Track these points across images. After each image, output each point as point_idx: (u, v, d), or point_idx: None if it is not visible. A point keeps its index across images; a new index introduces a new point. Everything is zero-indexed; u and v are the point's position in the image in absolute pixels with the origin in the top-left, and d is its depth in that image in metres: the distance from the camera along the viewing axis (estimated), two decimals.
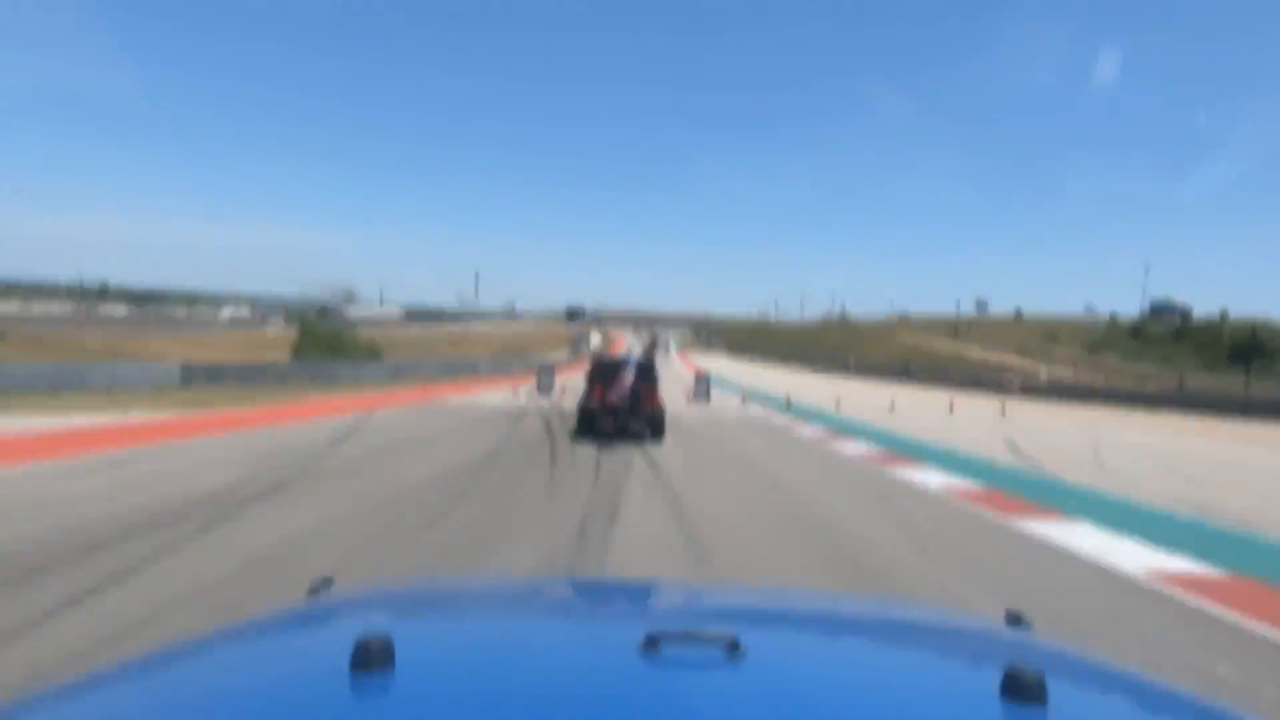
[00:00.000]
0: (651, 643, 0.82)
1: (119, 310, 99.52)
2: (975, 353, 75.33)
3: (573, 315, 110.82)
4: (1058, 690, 0.75)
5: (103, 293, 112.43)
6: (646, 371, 12.56)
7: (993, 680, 0.76)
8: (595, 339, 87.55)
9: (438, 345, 68.56)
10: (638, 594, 1.49)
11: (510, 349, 64.92)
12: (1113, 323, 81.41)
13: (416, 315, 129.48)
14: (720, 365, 62.71)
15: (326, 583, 1.30)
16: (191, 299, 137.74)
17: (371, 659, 0.74)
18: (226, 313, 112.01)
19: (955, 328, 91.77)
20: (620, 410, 11.84)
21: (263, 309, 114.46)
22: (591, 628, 1.13)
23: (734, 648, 0.81)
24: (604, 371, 12.50)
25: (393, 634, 0.77)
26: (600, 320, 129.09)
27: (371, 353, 39.20)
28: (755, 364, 71.76)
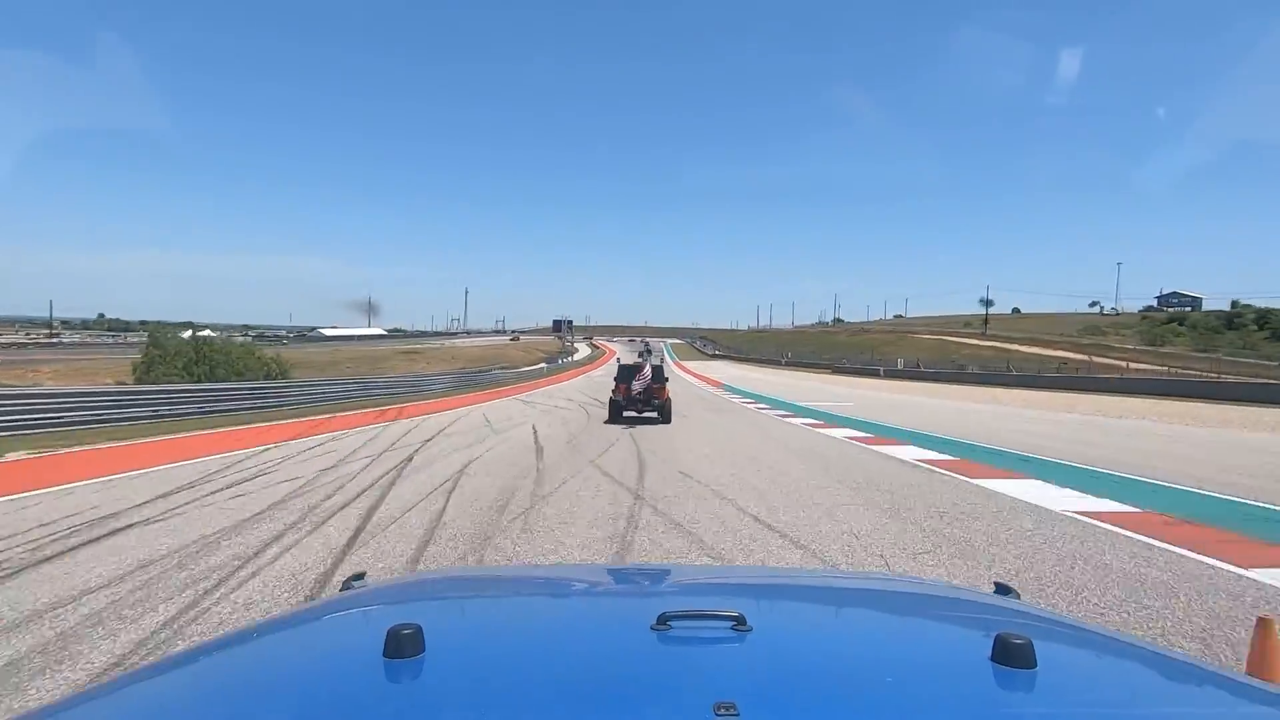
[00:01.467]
0: (663, 621, 0.86)
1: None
2: (1023, 349, 66.11)
3: (558, 328, 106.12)
4: (1045, 653, 0.79)
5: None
6: (658, 373, 16.53)
7: (984, 646, 0.81)
8: (581, 350, 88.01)
9: (393, 362, 64.13)
10: (651, 577, 1.59)
11: (479, 362, 60.06)
12: (1144, 315, 75.11)
13: (399, 334, 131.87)
14: (735, 374, 53.38)
15: (358, 577, 1.34)
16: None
17: (403, 646, 0.77)
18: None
19: (967, 324, 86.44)
20: (639, 400, 15.94)
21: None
22: (606, 610, 1.18)
23: (741, 624, 0.86)
24: (626, 374, 16.48)
25: (422, 623, 0.81)
26: (589, 333, 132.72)
27: (268, 373, 28.42)
28: (780, 372, 60.59)
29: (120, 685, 0.89)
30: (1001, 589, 1.31)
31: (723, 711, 0.64)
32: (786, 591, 1.37)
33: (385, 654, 0.77)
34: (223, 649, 1.00)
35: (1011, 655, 0.78)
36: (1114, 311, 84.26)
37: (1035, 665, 0.77)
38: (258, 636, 1.02)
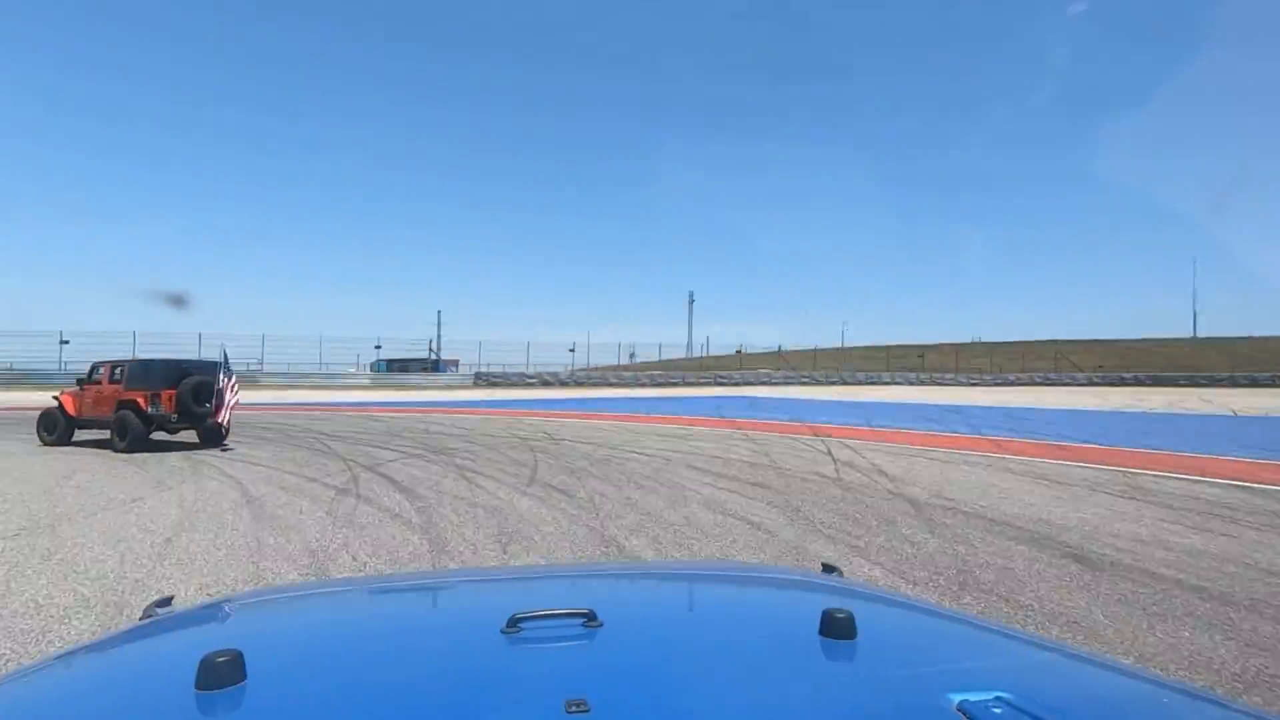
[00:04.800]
0: (513, 624, 0.86)
1: None
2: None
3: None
4: (866, 624, 0.88)
5: None
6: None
7: (813, 621, 0.88)
8: None
9: None
10: (501, 579, 1.52)
11: None
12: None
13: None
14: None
15: (164, 603, 1.21)
16: None
17: (220, 675, 0.71)
18: None
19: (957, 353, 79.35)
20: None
21: None
22: (454, 616, 1.14)
23: (591, 620, 0.88)
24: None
25: (241, 648, 0.75)
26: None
27: None
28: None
29: None
30: (828, 568, 1.41)
31: (574, 709, 0.65)
32: (634, 584, 1.45)
33: (198, 685, 0.71)
34: (7, 687, 0.86)
35: (836, 628, 0.86)
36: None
37: (856, 636, 0.86)
38: (47, 673, 0.91)
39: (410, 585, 1.48)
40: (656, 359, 53.28)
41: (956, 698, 0.71)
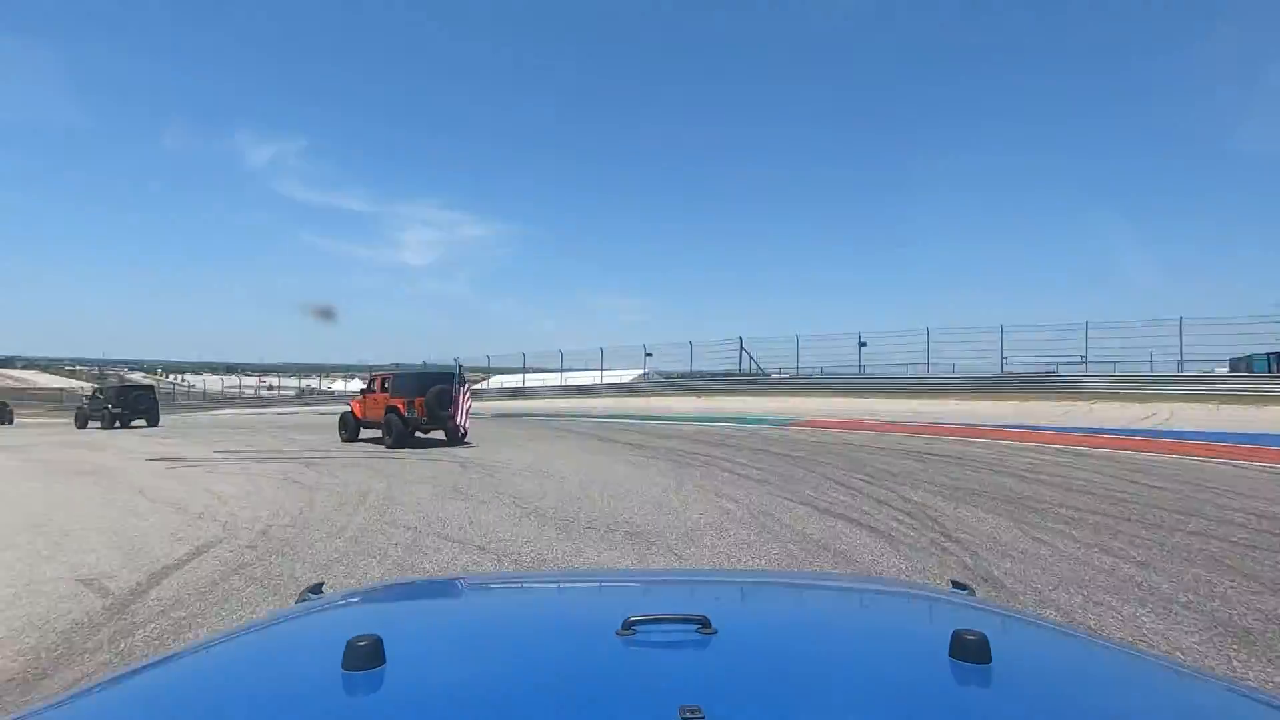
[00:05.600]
0: (628, 627, 0.86)
1: None
2: None
3: None
4: (1000, 648, 0.81)
5: None
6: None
7: (942, 642, 0.82)
8: None
9: None
10: (616, 582, 1.60)
11: None
12: None
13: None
14: None
15: (316, 589, 1.33)
16: None
17: (362, 658, 0.76)
18: None
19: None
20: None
21: None
22: (571, 616, 1.17)
23: (705, 626, 0.87)
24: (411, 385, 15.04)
25: (381, 634, 0.79)
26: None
27: None
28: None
29: (68, 702, 0.84)
30: (958, 586, 1.36)
31: (688, 715, 0.65)
32: (749, 593, 1.40)
33: (344, 666, 0.76)
34: (176, 663, 0.97)
35: (967, 651, 0.80)
36: None
37: (990, 660, 0.80)
38: (211, 651, 0.99)
39: (534, 583, 1.54)
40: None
41: None
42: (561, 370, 37.84)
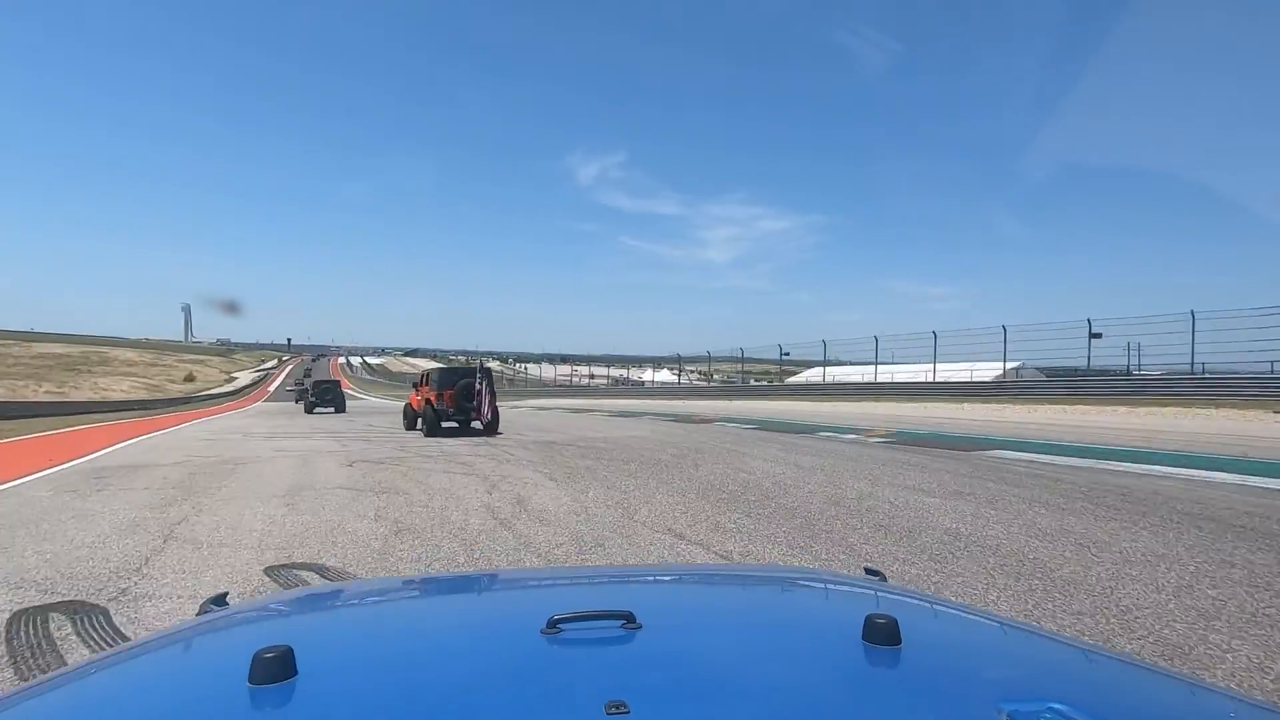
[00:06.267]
0: (553, 625, 0.85)
1: None
2: None
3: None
4: (910, 631, 0.84)
5: None
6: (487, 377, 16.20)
7: (855, 627, 0.85)
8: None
9: None
10: (541, 581, 1.54)
11: None
12: None
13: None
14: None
15: (219, 600, 1.23)
16: None
17: (272, 670, 0.73)
18: None
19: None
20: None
21: None
22: (494, 616, 1.15)
23: (630, 622, 0.87)
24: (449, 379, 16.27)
25: (292, 644, 0.76)
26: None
27: None
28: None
29: None
30: (871, 572, 1.37)
31: (614, 710, 0.65)
32: (673, 588, 1.44)
33: (251, 680, 0.72)
34: (67, 683, 0.89)
35: (878, 634, 0.83)
36: None
37: (900, 642, 0.82)
38: (104, 669, 0.93)
39: (453, 584, 1.58)
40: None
41: (1007, 708, 0.69)
42: (876, 364, 31.40)
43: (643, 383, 60.79)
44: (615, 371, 73.63)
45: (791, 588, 1.40)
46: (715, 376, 50.59)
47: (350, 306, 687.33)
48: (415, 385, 17.73)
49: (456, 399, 15.52)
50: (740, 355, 42.63)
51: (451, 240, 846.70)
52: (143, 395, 66.02)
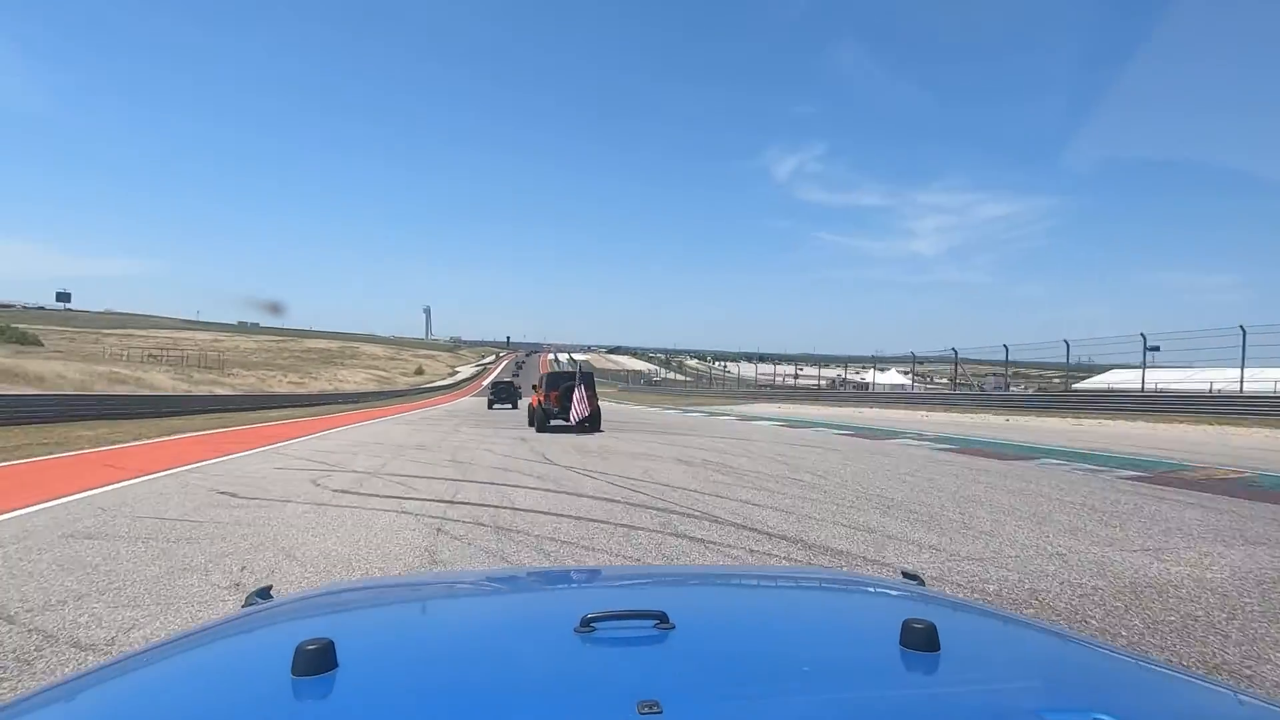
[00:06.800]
0: (586, 624, 0.86)
1: None
2: None
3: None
4: (948, 636, 0.82)
5: None
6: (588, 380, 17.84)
7: (892, 631, 0.84)
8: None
9: None
10: (574, 579, 1.54)
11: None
12: None
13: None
14: None
15: (263, 593, 1.25)
16: None
17: (313, 662, 0.74)
18: None
19: None
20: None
21: None
22: (528, 614, 1.16)
23: (663, 622, 0.86)
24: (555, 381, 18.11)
25: (333, 637, 0.77)
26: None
27: None
28: None
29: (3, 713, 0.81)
30: (909, 576, 1.34)
31: (646, 710, 0.65)
32: (706, 589, 1.40)
33: (294, 671, 0.73)
34: (117, 673, 0.90)
35: (916, 639, 0.81)
36: None
37: (939, 648, 0.81)
38: (153, 660, 0.94)
39: (487, 581, 1.57)
40: None
41: (1048, 717, 0.68)
42: (1144, 366, 25.47)
43: (865, 385, 51.45)
44: (828, 372, 64.66)
45: (827, 590, 1.40)
46: (972, 381, 40.41)
47: (561, 308, 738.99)
48: (534, 387, 19.13)
49: (560, 399, 17.19)
50: (1005, 354, 32.70)
51: (650, 243, 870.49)
52: (371, 387, 71.26)
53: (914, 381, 43.51)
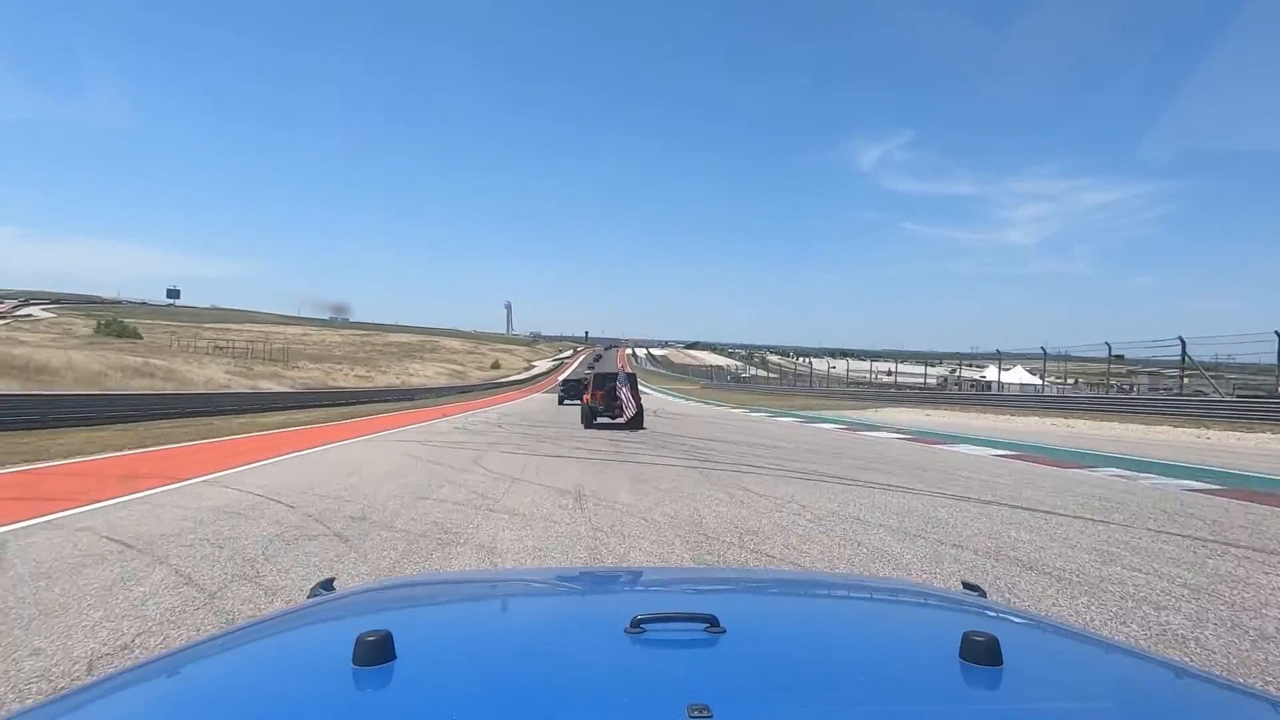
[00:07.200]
0: (636, 625, 0.86)
1: None
2: None
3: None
4: (1011, 650, 0.79)
5: None
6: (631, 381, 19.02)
7: (952, 644, 0.81)
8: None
9: None
10: (625, 580, 1.56)
11: None
12: None
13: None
14: None
15: (326, 585, 1.29)
16: None
17: (373, 653, 0.76)
18: None
19: None
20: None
21: None
22: (580, 613, 1.16)
23: (714, 625, 0.86)
24: (601, 381, 19.08)
25: (392, 629, 0.79)
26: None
27: None
28: None
29: (76, 697, 0.85)
30: (970, 587, 1.30)
31: (696, 713, 0.65)
32: (759, 593, 1.38)
33: (354, 661, 0.76)
34: (186, 660, 0.95)
35: (977, 653, 0.79)
36: None
37: (1001, 663, 0.78)
38: (221, 647, 0.98)
39: (540, 579, 1.57)
40: None
41: None
42: None
43: (987, 385, 44.01)
44: (935, 370, 56.98)
45: (883, 599, 1.35)
46: (1134, 382, 32.89)
47: (639, 303, 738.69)
48: (584, 386, 20.40)
49: (606, 399, 18.58)
50: (1180, 349, 25.45)
51: (727, 240, 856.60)
52: (442, 381, 69.17)
53: (1043, 381, 36.23)
